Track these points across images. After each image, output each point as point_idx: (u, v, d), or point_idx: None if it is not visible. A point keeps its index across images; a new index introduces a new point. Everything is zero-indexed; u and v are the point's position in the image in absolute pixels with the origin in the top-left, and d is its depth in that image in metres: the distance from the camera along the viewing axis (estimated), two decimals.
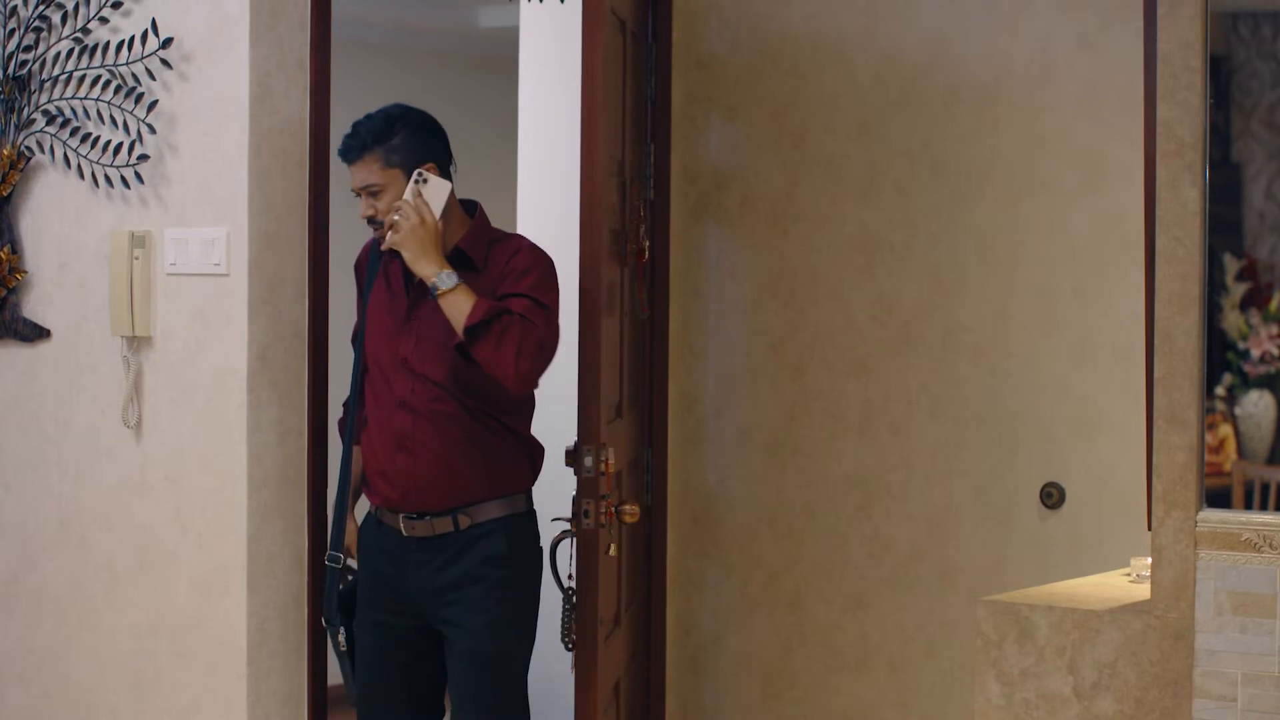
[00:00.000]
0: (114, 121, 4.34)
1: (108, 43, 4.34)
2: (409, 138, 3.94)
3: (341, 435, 4.20)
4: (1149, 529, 3.51)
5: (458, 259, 3.93)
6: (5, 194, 4.50)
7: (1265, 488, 3.55)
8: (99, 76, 4.35)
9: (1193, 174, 3.40)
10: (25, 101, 4.47)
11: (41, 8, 4.41)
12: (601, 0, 4.05)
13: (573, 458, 4.01)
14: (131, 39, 4.30)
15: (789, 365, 4.99)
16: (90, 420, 4.42)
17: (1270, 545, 3.34)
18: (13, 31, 4.46)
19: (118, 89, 4.33)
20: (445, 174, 4.00)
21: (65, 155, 4.42)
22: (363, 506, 4.26)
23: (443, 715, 4.17)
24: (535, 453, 4.06)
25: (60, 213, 4.46)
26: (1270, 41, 3.55)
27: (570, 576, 4.01)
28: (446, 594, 3.91)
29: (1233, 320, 3.55)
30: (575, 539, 4.01)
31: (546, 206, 5.74)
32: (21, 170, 4.49)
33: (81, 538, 4.43)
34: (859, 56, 4.89)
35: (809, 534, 4.96)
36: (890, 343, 4.85)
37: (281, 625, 4.29)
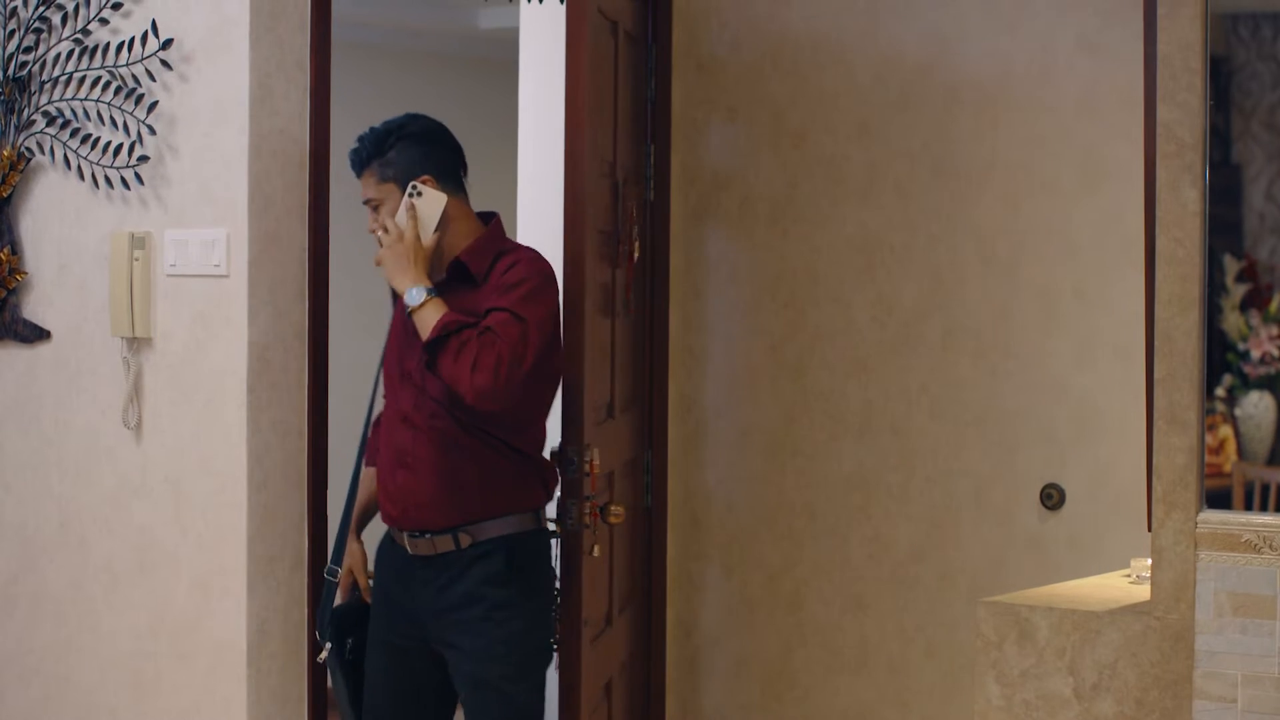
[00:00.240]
0: (114, 123, 4.34)
1: (108, 44, 4.34)
2: (403, 151, 3.89)
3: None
4: (1149, 530, 3.51)
5: (456, 271, 3.89)
6: (5, 195, 4.50)
7: (1265, 489, 3.55)
8: (99, 78, 4.35)
9: (1193, 175, 3.40)
10: (25, 102, 4.47)
11: (41, 9, 4.41)
12: (585, 3, 4.06)
13: (557, 458, 4.01)
14: (131, 40, 4.30)
15: (789, 366, 4.99)
16: (90, 421, 4.42)
17: (1270, 546, 3.34)
18: (13, 33, 4.46)
19: (118, 90, 4.33)
20: (449, 184, 3.93)
21: (65, 156, 4.42)
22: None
23: None
24: (544, 470, 3.95)
25: (60, 214, 4.46)
26: (1270, 43, 3.55)
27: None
28: (448, 615, 3.85)
29: (1233, 321, 3.55)
30: (559, 540, 4.02)
31: (547, 207, 5.74)
32: (21, 171, 4.49)
33: (81, 539, 4.43)
34: (859, 57, 4.89)
35: (809, 535, 4.96)
36: (890, 343, 4.85)
37: (282, 626, 4.29)
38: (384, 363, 4.07)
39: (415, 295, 3.77)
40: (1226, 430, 3.55)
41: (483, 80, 7.61)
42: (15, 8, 4.45)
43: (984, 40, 4.72)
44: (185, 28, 4.26)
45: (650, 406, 4.99)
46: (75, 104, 4.39)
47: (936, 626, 4.78)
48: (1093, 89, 4.58)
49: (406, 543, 3.92)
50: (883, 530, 4.86)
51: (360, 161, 3.94)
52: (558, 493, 4.01)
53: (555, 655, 3.98)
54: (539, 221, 5.68)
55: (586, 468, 4.01)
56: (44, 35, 4.43)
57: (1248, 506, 3.51)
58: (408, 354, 3.94)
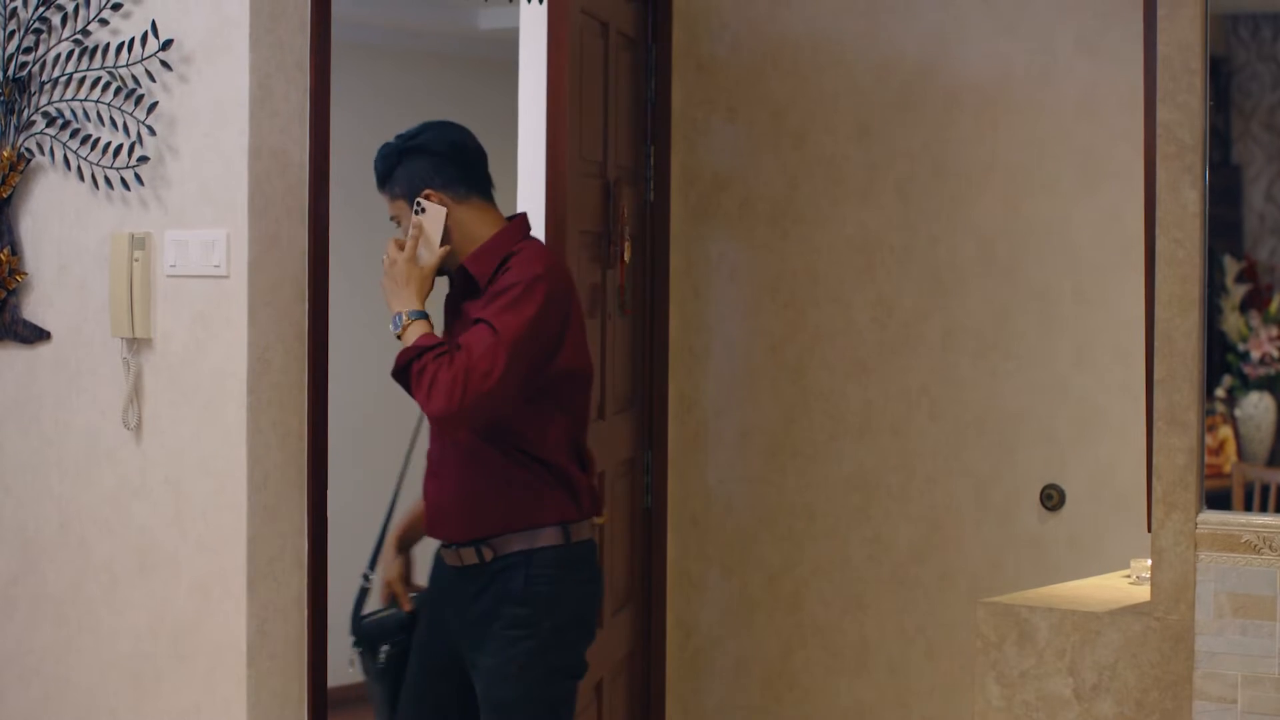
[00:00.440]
0: (114, 123, 4.34)
1: (107, 44, 4.34)
2: (408, 167, 3.81)
3: None
4: (1149, 531, 3.51)
5: (462, 278, 3.84)
6: (5, 196, 4.50)
7: (1265, 489, 3.55)
8: (99, 78, 4.35)
9: (1193, 176, 3.40)
10: (25, 103, 4.47)
11: (41, 9, 4.41)
12: (566, 4, 4.06)
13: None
14: (131, 41, 4.30)
15: (789, 367, 4.99)
16: (90, 422, 4.41)
17: (1270, 547, 3.34)
18: (12, 33, 4.46)
19: (117, 91, 4.33)
20: (459, 191, 3.80)
21: (65, 157, 4.42)
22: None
23: None
24: (573, 481, 3.73)
25: (60, 214, 4.46)
26: (1270, 43, 3.55)
27: None
28: (472, 631, 3.75)
29: (1233, 322, 3.55)
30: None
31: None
32: (21, 172, 4.49)
33: (81, 540, 4.43)
34: (859, 58, 4.89)
35: (809, 535, 4.96)
36: (890, 344, 4.85)
37: (282, 627, 4.29)
38: None
39: (395, 323, 3.70)
40: (1226, 431, 3.55)
41: (482, 80, 7.61)
42: (15, 8, 4.45)
43: (984, 41, 4.72)
44: (185, 28, 4.26)
45: (650, 407, 5.00)
46: (75, 105, 4.39)
47: (936, 627, 4.78)
48: (1092, 90, 4.58)
49: (442, 552, 3.88)
50: (883, 531, 4.86)
51: (378, 181, 3.89)
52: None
53: (573, 680, 3.78)
54: (537, 220, 5.67)
55: None
56: (44, 36, 4.43)
57: (1247, 507, 3.52)
58: None
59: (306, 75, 4.33)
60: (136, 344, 4.34)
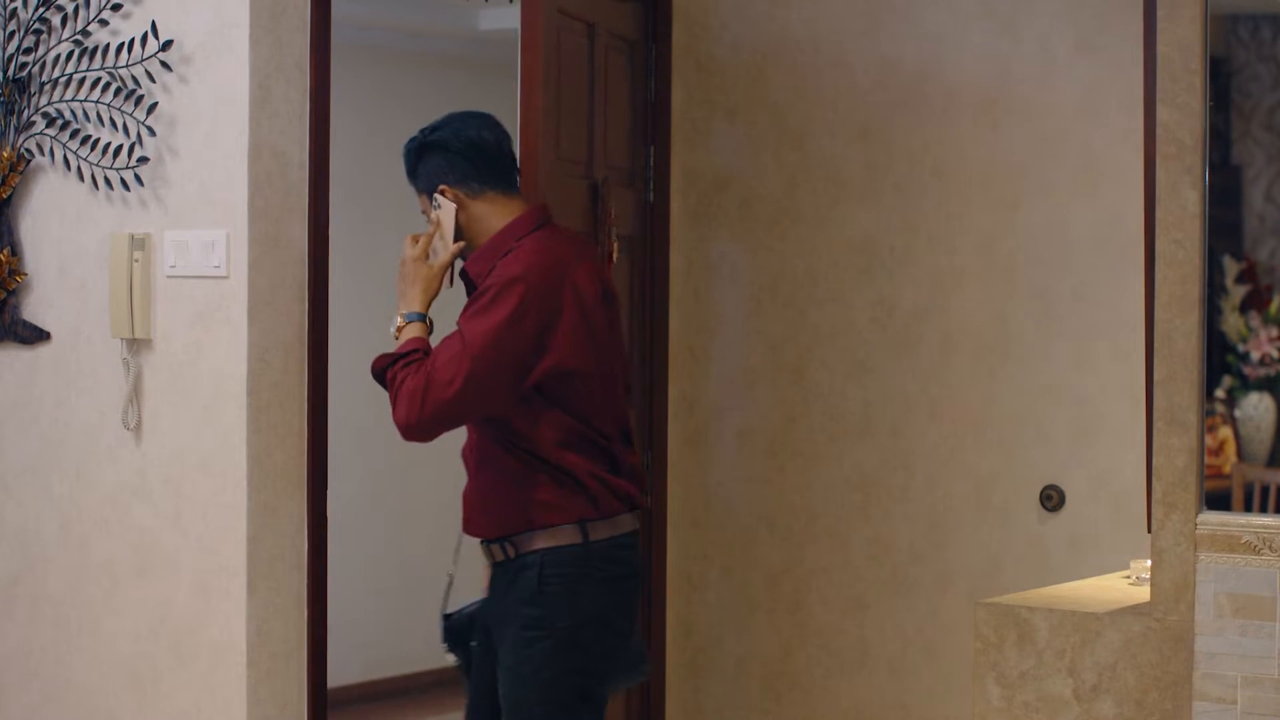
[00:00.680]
0: (114, 124, 4.34)
1: (107, 45, 4.34)
2: (427, 163, 3.78)
3: None
4: (1149, 531, 3.51)
5: (466, 280, 3.82)
6: (5, 196, 4.50)
7: (1265, 490, 3.55)
8: (99, 79, 4.35)
9: (1192, 176, 3.40)
10: (25, 104, 4.47)
11: (41, 10, 4.41)
12: (537, 4, 4.07)
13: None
14: (131, 41, 4.30)
15: (789, 367, 4.99)
16: (90, 423, 4.42)
17: (1270, 548, 3.34)
18: (12, 34, 4.46)
19: (117, 91, 4.33)
20: (474, 186, 3.75)
21: (65, 157, 4.42)
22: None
23: None
24: (585, 482, 3.66)
25: (60, 215, 4.46)
26: (1270, 44, 3.55)
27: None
28: (499, 628, 3.73)
29: (1233, 323, 3.55)
30: None
31: None
32: (21, 173, 4.49)
33: (81, 540, 4.43)
34: (859, 59, 4.89)
35: (809, 536, 4.96)
36: (890, 345, 4.85)
37: (282, 627, 4.29)
38: None
39: (393, 324, 3.70)
40: (1226, 431, 3.55)
41: (482, 81, 7.60)
42: (15, 9, 4.45)
43: (983, 42, 4.72)
44: (185, 29, 4.26)
45: (650, 407, 5.00)
46: (75, 105, 4.39)
47: (936, 627, 4.78)
48: (1092, 91, 4.58)
49: (480, 549, 3.87)
50: (882, 531, 4.86)
51: (406, 175, 3.88)
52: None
53: (583, 683, 3.69)
54: None
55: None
56: (44, 36, 4.43)
57: (1247, 508, 3.52)
58: None
59: (306, 75, 4.33)
60: (136, 344, 4.34)
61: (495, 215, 3.75)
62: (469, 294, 3.75)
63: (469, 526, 3.79)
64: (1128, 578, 3.91)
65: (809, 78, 4.96)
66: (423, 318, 3.70)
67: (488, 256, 3.71)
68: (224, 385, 4.22)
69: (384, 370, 3.63)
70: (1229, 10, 3.52)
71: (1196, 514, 3.41)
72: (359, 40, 6.92)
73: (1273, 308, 3.56)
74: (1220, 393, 3.52)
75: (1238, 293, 3.55)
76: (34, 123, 4.46)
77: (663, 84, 5.05)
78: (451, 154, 3.76)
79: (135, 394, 4.35)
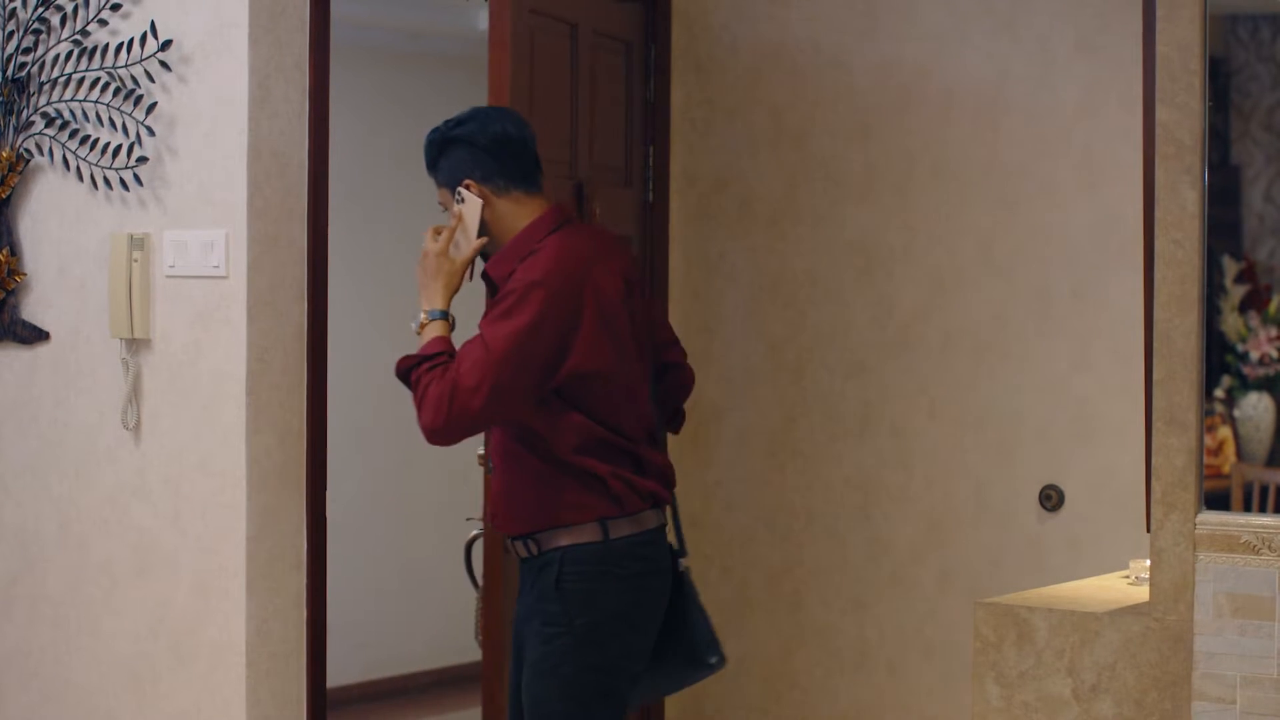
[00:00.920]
0: (113, 124, 4.34)
1: (106, 45, 4.34)
2: (448, 157, 3.74)
3: None
4: (1148, 531, 3.51)
5: (487, 279, 3.79)
6: (4, 196, 4.50)
7: (1264, 490, 3.55)
8: (98, 79, 4.35)
9: (1192, 176, 3.40)
10: (24, 104, 4.47)
11: (40, 10, 4.42)
12: (505, 5, 4.08)
13: (481, 459, 4.00)
14: (130, 41, 4.30)
15: (789, 367, 4.99)
16: (89, 422, 4.42)
17: (1269, 547, 3.34)
18: (12, 34, 4.46)
19: (116, 91, 4.33)
20: (498, 183, 3.71)
21: (64, 157, 4.42)
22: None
23: None
24: (605, 481, 3.65)
25: (59, 215, 4.47)
26: (1269, 44, 3.55)
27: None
28: (522, 624, 3.74)
29: (1232, 322, 3.55)
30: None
31: None
32: (21, 173, 4.49)
33: (81, 540, 4.43)
34: (858, 59, 4.89)
35: (809, 536, 4.96)
36: (890, 345, 4.85)
37: (281, 627, 4.29)
38: None
39: (415, 321, 3.68)
40: (1225, 431, 3.55)
41: (482, 82, 7.61)
42: (14, 9, 4.45)
43: (983, 42, 4.72)
44: (184, 29, 4.26)
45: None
46: (74, 105, 4.39)
47: (936, 627, 4.78)
48: (1092, 91, 4.58)
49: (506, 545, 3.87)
50: (882, 531, 4.86)
51: (426, 167, 3.85)
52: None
53: (609, 677, 3.70)
54: None
55: None
56: (43, 36, 4.43)
57: (1247, 508, 3.52)
58: None
59: (306, 75, 4.33)
60: (136, 344, 4.34)
61: (519, 214, 3.73)
62: (489, 294, 3.75)
63: (495, 522, 3.80)
64: (1127, 578, 3.91)
65: (809, 78, 4.96)
66: (445, 315, 3.69)
67: (509, 258, 3.69)
68: (223, 385, 4.22)
69: (408, 371, 3.62)
70: (1228, 10, 3.52)
71: (1196, 514, 3.41)
72: (358, 40, 6.92)
73: (1272, 307, 3.56)
74: (1219, 392, 3.52)
75: (1237, 292, 3.55)
76: (33, 123, 4.46)
77: (662, 84, 5.05)
78: (476, 149, 3.72)
79: (134, 394, 4.35)
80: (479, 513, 4.02)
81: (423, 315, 3.68)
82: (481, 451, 4.01)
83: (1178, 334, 3.41)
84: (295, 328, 4.32)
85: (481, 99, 4.61)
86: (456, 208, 3.70)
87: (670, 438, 5.09)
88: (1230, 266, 3.53)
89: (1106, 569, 4.15)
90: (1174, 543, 3.42)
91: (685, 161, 5.11)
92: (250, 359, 4.21)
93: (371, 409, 6.93)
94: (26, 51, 4.45)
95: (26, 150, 4.48)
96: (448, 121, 3.77)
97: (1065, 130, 4.61)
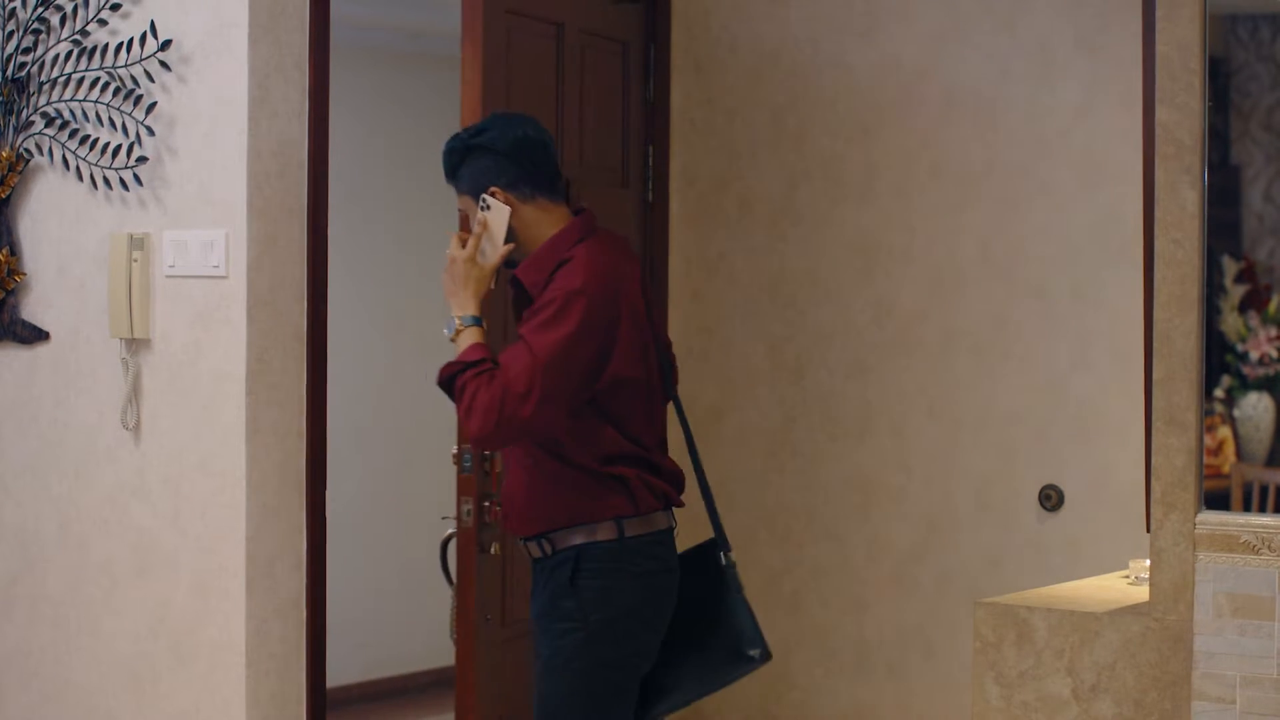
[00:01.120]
0: (113, 124, 4.34)
1: (106, 45, 4.34)
2: (473, 163, 3.74)
3: None
4: (1148, 531, 3.51)
5: (517, 286, 3.78)
6: (4, 196, 4.50)
7: (1264, 490, 3.55)
8: (98, 79, 4.35)
9: (1191, 176, 3.40)
10: (24, 104, 4.47)
11: (40, 10, 4.42)
12: (476, 6, 4.08)
13: (456, 458, 4.02)
14: (130, 41, 4.30)
15: (788, 367, 4.99)
16: (89, 422, 4.42)
17: (1269, 547, 3.34)
18: (11, 34, 4.46)
19: (116, 91, 4.33)
20: (523, 191, 3.71)
21: (64, 157, 4.42)
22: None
23: None
24: (626, 480, 3.70)
25: (59, 215, 4.46)
26: (1269, 44, 3.55)
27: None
28: (536, 623, 3.76)
29: (1231, 322, 3.55)
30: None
31: None
32: (20, 172, 4.49)
33: (80, 540, 4.43)
34: (858, 58, 4.89)
35: (808, 536, 4.96)
36: (889, 345, 4.85)
37: (281, 627, 4.29)
38: None
39: (449, 327, 3.67)
40: (1225, 431, 3.55)
41: None
42: (14, 9, 4.45)
43: (982, 42, 4.72)
44: (184, 29, 4.26)
45: None
46: (74, 105, 4.39)
47: (935, 627, 4.78)
48: (1091, 91, 4.58)
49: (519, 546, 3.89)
50: (882, 531, 4.86)
51: (446, 175, 3.85)
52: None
53: (621, 674, 3.74)
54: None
55: (486, 467, 4.04)
56: (43, 36, 4.43)
57: (1246, 508, 3.52)
58: None
59: (305, 75, 4.33)
60: (135, 344, 4.34)
61: (545, 221, 3.74)
62: (518, 300, 3.77)
63: (508, 523, 3.82)
64: (1127, 577, 3.91)
65: (808, 77, 4.96)
66: (479, 321, 3.69)
67: (542, 265, 3.70)
68: (223, 385, 4.22)
69: (453, 377, 3.62)
70: (1228, 10, 3.52)
71: (1195, 514, 3.41)
72: (358, 40, 6.92)
73: (1271, 307, 3.56)
74: (1219, 392, 3.52)
75: (1236, 292, 3.55)
76: (33, 122, 4.46)
77: (662, 84, 5.05)
78: (499, 156, 3.73)
79: (134, 394, 4.35)
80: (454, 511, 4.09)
81: (457, 321, 3.68)
82: (455, 451, 4.04)
83: (1178, 334, 3.41)
84: (295, 328, 4.32)
85: None
86: (481, 214, 3.70)
87: (670, 438, 5.08)
88: (1230, 266, 3.53)
89: (1106, 569, 4.15)
90: (1174, 543, 3.42)
91: (685, 161, 5.11)
92: (250, 359, 4.21)
93: (371, 409, 6.93)
94: (26, 51, 4.45)
95: (26, 150, 4.48)
96: (467, 129, 3.78)
97: (1065, 130, 4.61)
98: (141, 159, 4.31)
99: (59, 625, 4.47)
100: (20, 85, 4.46)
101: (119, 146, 4.33)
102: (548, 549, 3.71)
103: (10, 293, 4.53)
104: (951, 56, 4.76)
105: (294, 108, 4.31)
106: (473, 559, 4.06)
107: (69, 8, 4.39)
